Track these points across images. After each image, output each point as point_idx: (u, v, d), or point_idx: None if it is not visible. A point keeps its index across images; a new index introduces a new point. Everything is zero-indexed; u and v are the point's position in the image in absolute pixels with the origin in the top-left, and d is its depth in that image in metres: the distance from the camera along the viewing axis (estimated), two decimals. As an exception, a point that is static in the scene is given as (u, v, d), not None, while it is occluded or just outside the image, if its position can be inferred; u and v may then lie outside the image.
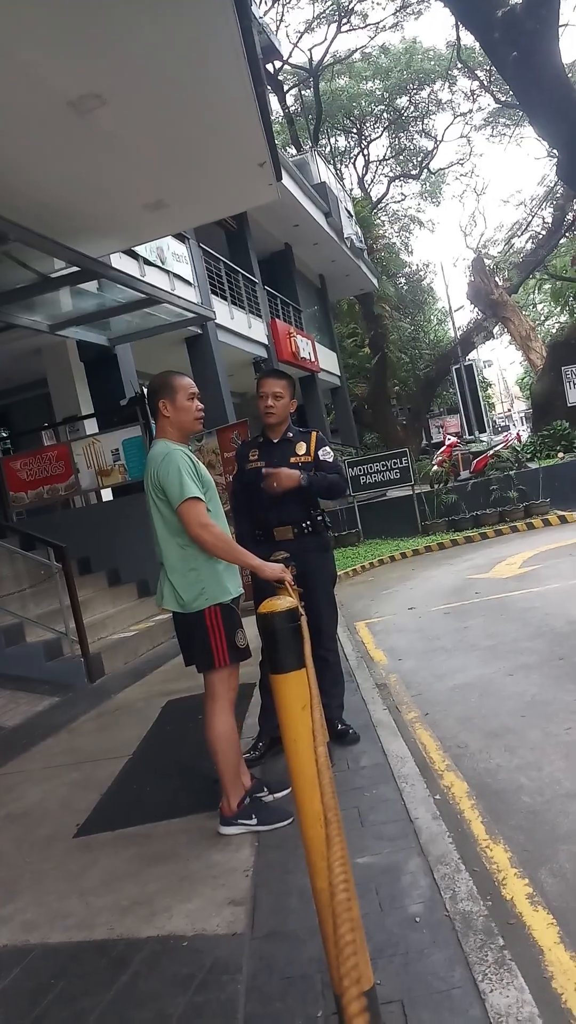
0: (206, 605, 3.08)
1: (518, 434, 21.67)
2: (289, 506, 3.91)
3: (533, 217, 32.76)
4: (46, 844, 3.46)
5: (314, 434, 4.07)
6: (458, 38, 26.21)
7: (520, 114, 27.25)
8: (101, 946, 2.52)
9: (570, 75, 17.91)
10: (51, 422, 11.12)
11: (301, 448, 3.98)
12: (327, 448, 4.05)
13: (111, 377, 10.94)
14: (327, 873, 1.14)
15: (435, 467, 15.85)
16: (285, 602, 2.08)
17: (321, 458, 4.00)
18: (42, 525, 8.93)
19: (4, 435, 13.89)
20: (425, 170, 37.54)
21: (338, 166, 34.71)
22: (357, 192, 34.70)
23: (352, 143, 36.35)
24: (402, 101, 33.70)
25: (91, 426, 10.29)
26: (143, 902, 2.73)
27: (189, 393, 3.25)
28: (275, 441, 4.00)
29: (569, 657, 5.02)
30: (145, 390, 3.42)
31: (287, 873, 2.74)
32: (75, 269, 7.45)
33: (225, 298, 15.25)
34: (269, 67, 24.08)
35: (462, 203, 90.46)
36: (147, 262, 11.41)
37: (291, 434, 4.02)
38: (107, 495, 10.26)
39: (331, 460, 4.05)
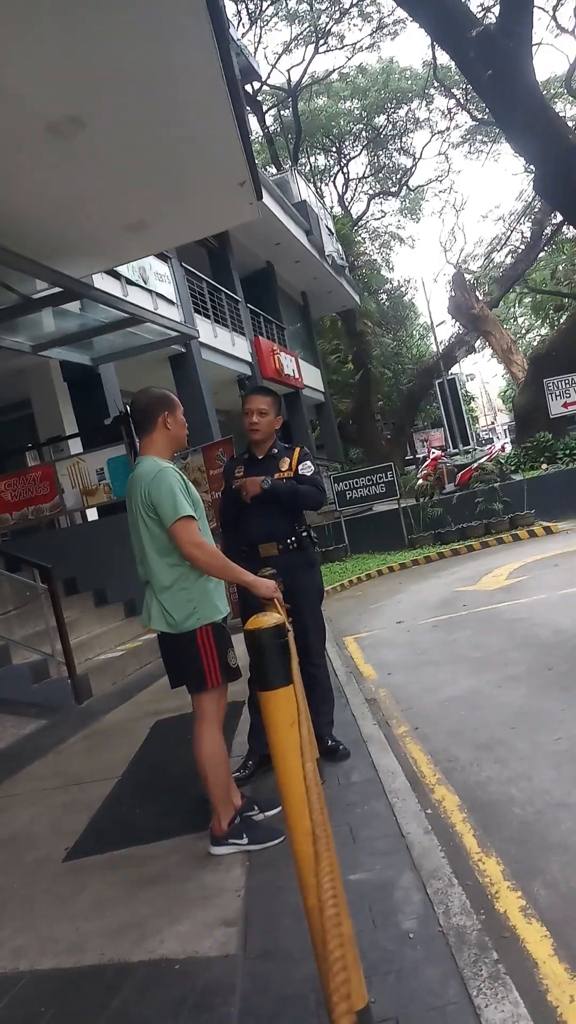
0: (198, 625, 3.05)
1: (502, 446, 21.82)
2: (274, 521, 3.92)
3: (512, 232, 33.21)
4: (35, 868, 3.42)
5: (297, 449, 4.08)
6: (434, 57, 26.61)
7: (496, 131, 27.64)
8: (92, 971, 2.48)
9: (544, 92, 18.20)
10: (35, 442, 11.09)
11: (285, 464, 4.00)
12: (308, 463, 4.06)
13: (95, 397, 10.94)
14: (317, 889, 1.13)
15: (420, 481, 15.91)
16: (272, 618, 2.07)
17: (300, 472, 4.01)
18: (27, 546, 8.88)
19: (-12, 456, 13.83)
20: (404, 187, 37.98)
21: (318, 184, 35.03)
22: (337, 210, 35.03)
23: (332, 161, 36.74)
24: (380, 120, 34.13)
25: (75, 446, 10.27)
26: (134, 925, 2.70)
27: (182, 409, 3.28)
28: (260, 458, 4.01)
29: (557, 667, 5.03)
30: (129, 407, 3.37)
31: (279, 892, 2.71)
32: (57, 290, 7.46)
33: (208, 316, 15.31)
34: (248, 88, 24.33)
35: (442, 219, 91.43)
36: (129, 282, 11.45)
37: (276, 450, 4.03)
38: (92, 515, 10.23)
39: (309, 474, 4.06)
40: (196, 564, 3.00)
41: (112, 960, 2.52)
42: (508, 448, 17.75)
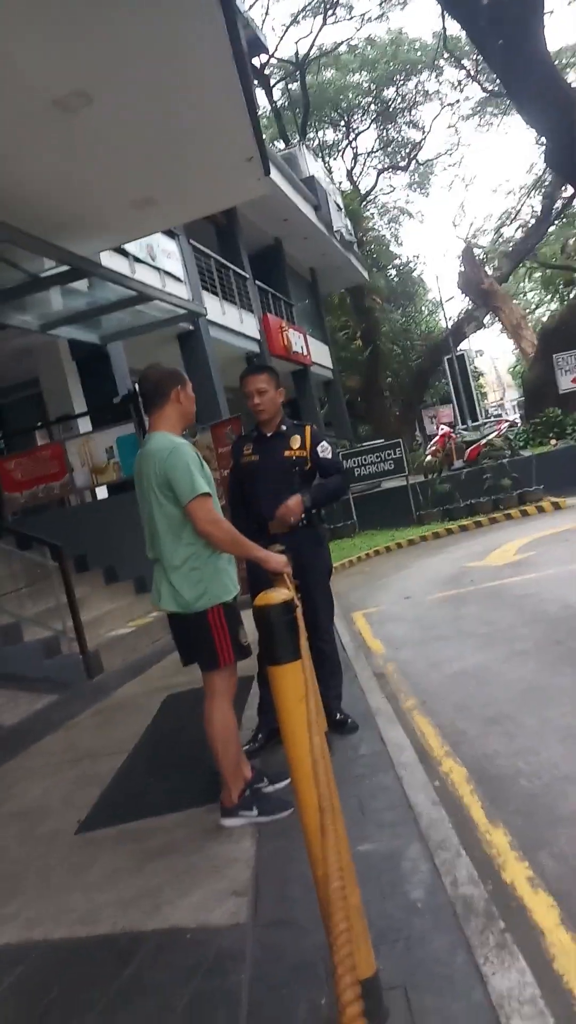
0: (209, 605, 3.05)
1: (507, 423, 21.72)
2: (284, 499, 3.92)
3: (522, 206, 32.80)
4: (48, 841, 3.48)
5: (308, 428, 4.04)
6: (444, 28, 26.20)
7: (507, 103, 27.24)
8: (105, 940, 2.53)
9: (556, 63, 17.92)
10: (44, 421, 11.11)
11: (296, 441, 3.97)
12: (325, 444, 4.01)
13: (104, 375, 10.93)
14: (323, 861, 1.15)
15: (429, 457, 15.87)
16: (280, 594, 2.09)
17: (320, 455, 3.98)
18: (37, 524, 8.92)
19: (-3, 435, 13.86)
20: (413, 161, 37.54)
21: (326, 159, 34.67)
22: (346, 185, 34.67)
23: (340, 136, 36.33)
24: (389, 92, 33.67)
25: (84, 424, 10.28)
26: (146, 896, 2.75)
27: (190, 384, 3.28)
28: (269, 435, 4.00)
29: (565, 642, 5.04)
30: (138, 382, 3.35)
31: (289, 862, 2.75)
32: (65, 268, 7.43)
33: (216, 294, 15.23)
34: (255, 61, 24.03)
35: (451, 193, 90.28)
36: (137, 259, 11.38)
37: (284, 427, 4.01)
38: (102, 493, 10.26)
39: (330, 456, 4.03)
40: (212, 541, 3.00)
41: (125, 929, 2.56)
42: (505, 428, 17.56)
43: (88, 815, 3.66)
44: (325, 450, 4.01)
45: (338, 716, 4.06)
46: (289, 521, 3.79)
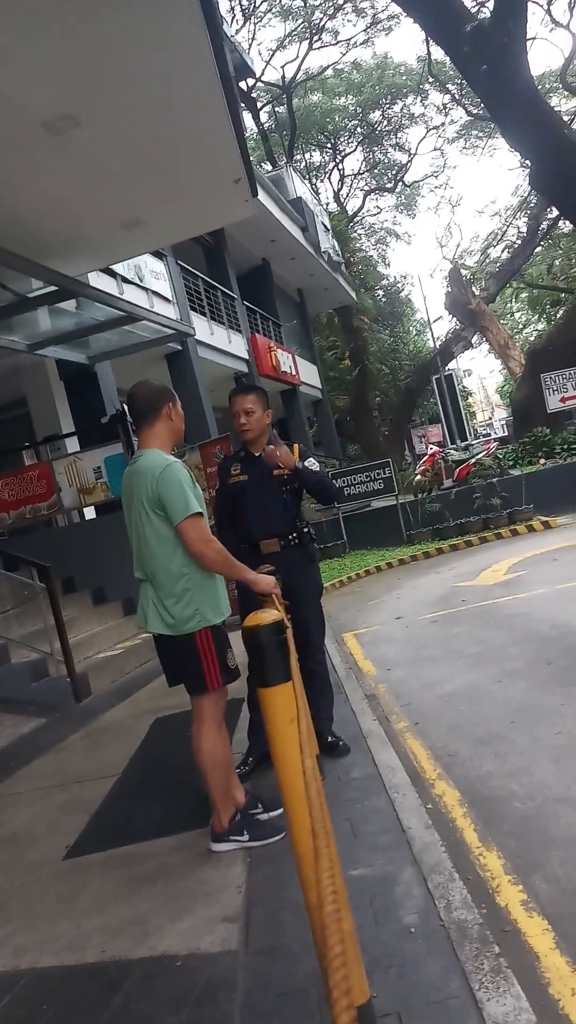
0: (198, 627, 3.00)
1: (489, 443, 21.85)
2: (275, 517, 3.92)
3: (508, 227, 33.17)
4: (35, 867, 3.42)
5: (296, 447, 4.07)
6: (428, 52, 26.59)
7: (492, 126, 27.60)
8: (93, 969, 2.48)
9: (539, 87, 18.18)
10: (32, 441, 11.08)
11: (294, 451, 4.00)
12: (312, 459, 4.06)
13: (91, 395, 10.93)
14: (317, 885, 1.13)
15: (418, 476, 15.91)
16: (270, 615, 2.07)
17: (308, 467, 4.00)
18: (25, 545, 8.87)
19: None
20: (400, 183, 37.93)
21: (313, 181, 35.00)
22: (333, 206, 35.00)
23: (327, 158, 36.70)
24: (375, 115, 34.09)
25: (72, 444, 10.26)
26: (135, 922, 2.70)
27: (179, 402, 3.26)
28: (257, 455, 3.99)
29: (556, 661, 5.03)
30: (127, 399, 3.34)
31: (280, 888, 2.71)
32: (53, 288, 7.44)
33: (204, 314, 15.29)
34: (242, 85, 24.30)
35: (437, 215, 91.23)
36: (125, 280, 11.43)
37: (272, 446, 4.01)
38: (90, 513, 10.23)
39: (317, 469, 4.06)
40: (204, 562, 2.97)
41: (113, 957, 2.52)
42: (494, 447, 17.66)
43: (77, 840, 3.60)
44: (312, 464, 4.03)
45: (329, 739, 4.02)
46: (276, 457, 3.80)
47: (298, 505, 4.06)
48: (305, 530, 4.03)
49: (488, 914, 2.42)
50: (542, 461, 15.85)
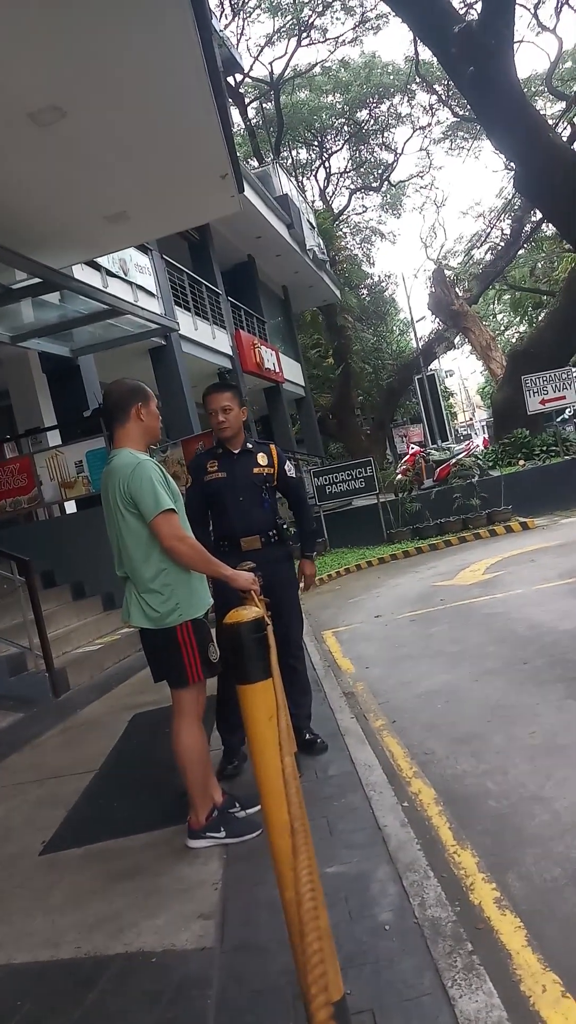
0: (180, 621, 3.01)
1: (485, 440, 22.00)
2: (255, 515, 3.93)
3: (492, 229, 33.35)
4: (10, 862, 3.41)
5: (273, 448, 4.09)
6: (416, 53, 26.64)
7: (478, 127, 27.72)
8: (68, 965, 2.48)
9: (525, 90, 18.28)
10: (13, 434, 11.00)
11: (263, 459, 4.00)
12: (289, 464, 4.11)
13: (74, 388, 10.87)
14: (295, 881, 1.14)
15: (399, 476, 15.96)
16: (251, 612, 2.08)
17: (288, 474, 4.06)
18: (4, 538, 8.81)
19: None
20: (386, 182, 37.97)
21: (300, 178, 34.94)
22: (319, 204, 34.96)
23: (313, 155, 36.66)
24: (362, 114, 34.09)
25: (54, 438, 10.19)
26: (110, 919, 2.70)
27: (156, 400, 3.26)
28: (236, 452, 4.00)
29: (532, 661, 5.08)
30: (101, 399, 3.34)
31: (256, 885, 2.72)
32: (36, 280, 7.40)
33: (189, 309, 15.25)
34: (230, 80, 24.22)
35: (422, 215, 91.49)
36: (109, 273, 11.37)
37: (250, 444, 4.03)
38: (71, 507, 10.17)
39: (296, 475, 4.14)
40: (179, 558, 2.97)
41: (88, 953, 2.52)
42: (476, 447, 17.86)
43: (53, 836, 3.59)
44: (291, 470, 4.10)
45: (307, 736, 4.03)
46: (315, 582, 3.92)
47: (275, 502, 4.08)
48: (284, 527, 4.05)
49: (462, 912, 2.45)
50: (521, 463, 15.95)
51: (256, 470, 3.94)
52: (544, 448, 16.25)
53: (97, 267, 10.86)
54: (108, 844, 3.39)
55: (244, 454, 3.98)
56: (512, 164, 20.11)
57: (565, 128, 25.26)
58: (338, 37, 32.08)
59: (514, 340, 33.00)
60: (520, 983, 2.10)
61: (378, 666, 5.94)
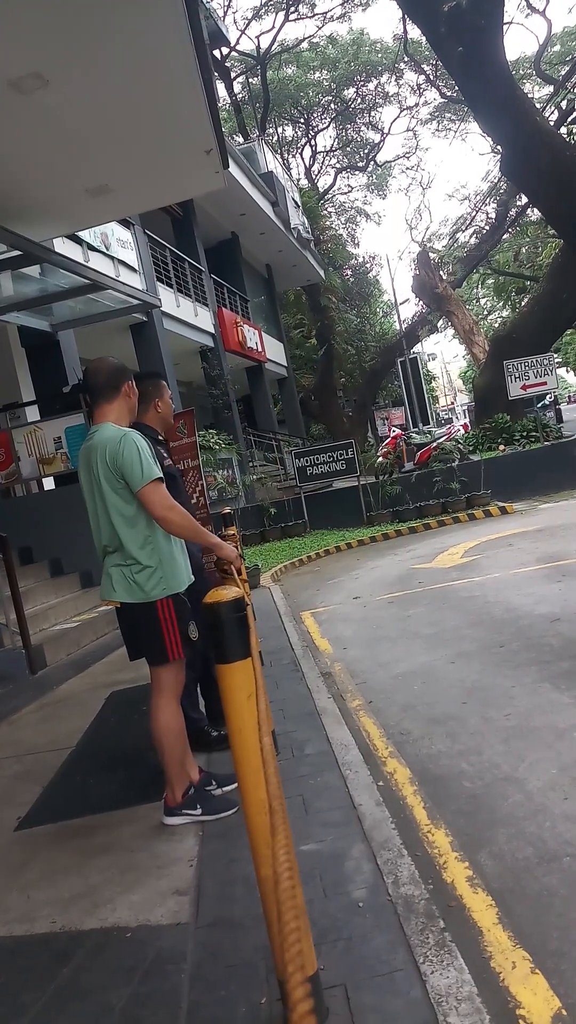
0: (164, 595, 3.01)
1: (464, 424, 22.06)
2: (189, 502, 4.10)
3: (477, 212, 33.28)
4: (-14, 838, 3.40)
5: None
6: (405, 31, 26.45)
7: (465, 109, 27.59)
8: (43, 940, 2.49)
9: (513, 73, 18.20)
10: (-9, 409, 10.88)
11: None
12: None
13: (54, 364, 10.76)
14: (272, 861, 1.15)
15: (380, 459, 15.99)
16: (231, 592, 2.07)
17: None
18: (-18, 514, 8.74)
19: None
20: (372, 162, 37.76)
21: (285, 156, 34.65)
22: (304, 182, 34.71)
23: (299, 133, 36.36)
24: (349, 92, 33.82)
25: (32, 413, 10.10)
26: (86, 894, 2.71)
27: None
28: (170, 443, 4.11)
29: (508, 644, 5.13)
30: (84, 374, 3.34)
31: (232, 862, 2.74)
32: (16, 253, 7.28)
33: (171, 286, 15.11)
34: (216, 53, 23.87)
35: (408, 196, 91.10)
36: (91, 247, 11.23)
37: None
38: (49, 484, 10.10)
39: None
40: (169, 527, 2.97)
41: (63, 928, 2.52)
42: (456, 431, 17.99)
43: (29, 812, 3.59)
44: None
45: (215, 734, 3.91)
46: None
47: None
48: None
49: (434, 890, 2.48)
50: (501, 447, 16.04)
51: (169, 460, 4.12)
52: (524, 433, 16.35)
53: (78, 241, 10.72)
54: (84, 820, 3.39)
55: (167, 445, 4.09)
56: (499, 147, 20.05)
57: (552, 112, 25.20)
58: (326, 13, 31.72)
59: (497, 325, 33.04)
60: (491, 960, 2.14)
61: (356, 647, 5.98)
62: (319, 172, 38.20)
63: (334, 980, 2.03)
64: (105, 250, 11.84)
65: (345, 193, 40.61)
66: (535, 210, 24.37)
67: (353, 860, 2.64)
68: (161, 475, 2.96)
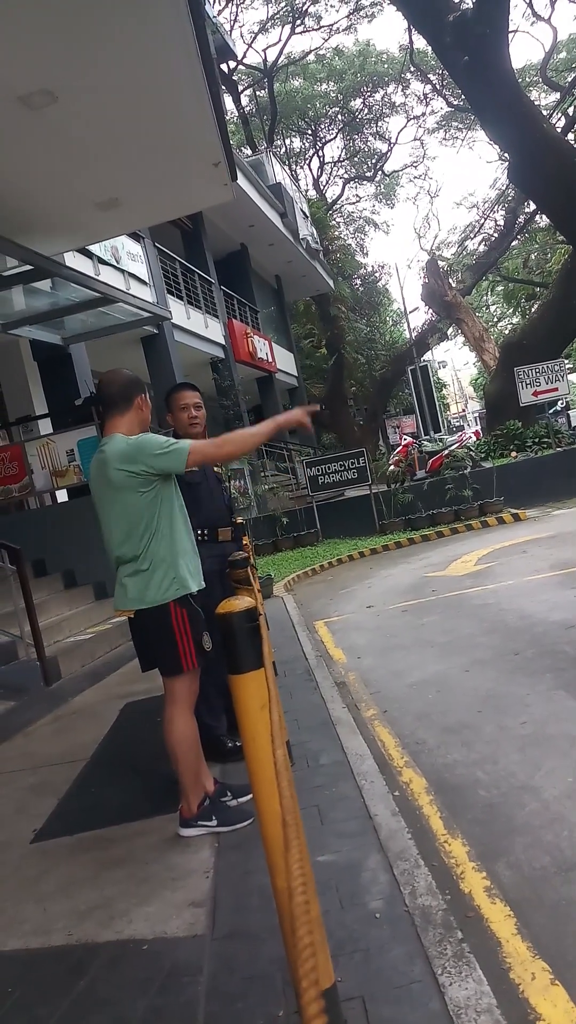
0: (178, 595, 3.00)
1: (476, 431, 22.03)
2: (224, 509, 4.14)
3: (485, 220, 33.29)
4: (2, 850, 3.40)
5: None
6: (411, 42, 26.54)
7: (472, 118, 27.65)
8: (59, 952, 2.48)
9: (519, 80, 18.23)
10: (4, 422, 10.95)
11: None
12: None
13: (65, 377, 10.82)
14: (286, 873, 1.14)
15: (391, 467, 15.97)
16: (243, 602, 2.07)
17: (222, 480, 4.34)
18: (-5, 527, 8.77)
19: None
20: (379, 172, 37.84)
21: (293, 167, 34.79)
22: (312, 193, 34.83)
23: (307, 144, 36.51)
24: (356, 103, 33.92)
25: (45, 426, 10.15)
26: (101, 906, 2.70)
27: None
28: None
29: (523, 652, 5.09)
30: (98, 385, 3.37)
31: (247, 873, 2.73)
32: (27, 267, 7.34)
33: (181, 298, 15.18)
34: (223, 67, 24.04)
35: (416, 205, 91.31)
36: (101, 261, 11.30)
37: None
38: (62, 496, 10.14)
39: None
40: (232, 454, 3.11)
41: (80, 941, 2.52)
42: (468, 439, 18.02)
43: (44, 824, 3.59)
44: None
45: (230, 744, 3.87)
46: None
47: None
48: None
49: (452, 900, 2.46)
50: (513, 454, 15.99)
51: (216, 469, 4.18)
52: (536, 440, 16.30)
53: (89, 255, 10.79)
54: (99, 832, 3.39)
55: None
56: (506, 155, 20.06)
57: (559, 119, 25.21)
58: (332, 25, 31.79)
59: (507, 332, 33.02)
60: (510, 971, 2.12)
61: (370, 656, 5.96)
62: (327, 183, 38.36)
63: (352, 992, 2.01)
64: (115, 263, 11.92)
65: (353, 203, 40.75)
66: (544, 216, 24.35)
67: (369, 871, 2.62)
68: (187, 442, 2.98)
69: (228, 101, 28.55)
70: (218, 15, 25.64)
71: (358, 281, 35.33)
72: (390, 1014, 1.93)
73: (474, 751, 3.67)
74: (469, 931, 2.27)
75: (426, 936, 2.20)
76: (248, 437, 3.09)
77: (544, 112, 22.18)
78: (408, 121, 36.11)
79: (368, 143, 36.56)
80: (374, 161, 37.26)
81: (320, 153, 37.00)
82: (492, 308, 42.52)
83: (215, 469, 4.16)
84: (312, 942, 0.96)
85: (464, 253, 34.18)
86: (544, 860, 2.62)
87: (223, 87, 21.56)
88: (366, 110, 34.32)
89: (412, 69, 29.75)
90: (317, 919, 1.88)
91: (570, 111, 24.50)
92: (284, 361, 23.42)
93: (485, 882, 2.57)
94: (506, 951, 2.21)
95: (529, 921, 2.32)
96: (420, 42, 24.21)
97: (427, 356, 33.24)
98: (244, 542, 4.31)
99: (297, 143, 36.59)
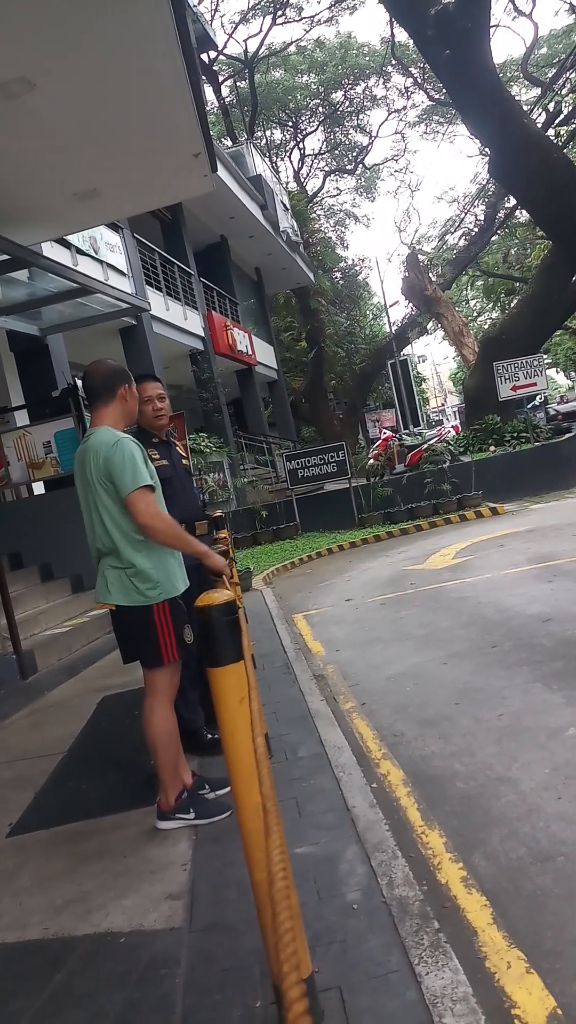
0: (159, 599, 3.00)
1: (455, 426, 22.15)
2: (195, 502, 4.18)
3: (466, 214, 33.36)
4: (-22, 845, 3.38)
5: (180, 442, 4.30)
6: (392, 35, 26.51)
7: (453, 112, 27.69)
8: (35, 946, 2.47)
9: (500, 75, 18.28)
10: (-20, 414, 10.84)
11: (182, 450, 4.22)
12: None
13: (43, 368, 10.72)
14: (266, 863, 1.14)
15: (371, 461, 16.00)
16: (223, 595, 2.06)
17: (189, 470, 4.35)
18: (-28, 519, 8.70)
19: None
20: (360, 165, 37.80)
21: (274, 159, 34.66)
22: (293, 186, 34.73)
23: (288, 136, 36.35)
24: (337, 96, 33.84)
25: (22, 418, 10.06)
26: (78, 900, 2.69)
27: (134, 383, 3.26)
28: (166, 441, 4.09)
29: (500, 645, 5.13)
30: (83, 376, 3.35)
31: (225, 866, 2.73)
32: (4, 257, 7.26)
33: (160, 289, 15.10)
34: (204, 57, 23.87)
35: (397, 199, 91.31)
36: (80, 251, 11.21)
37: (168, 437, 4.15)
38: (39, 488, 10.06)
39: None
40: (154, 535, 2.95)
41: (56, 935, 2.51)
42: (447, 433, 18.14)
43: (20, 818, 3.57)
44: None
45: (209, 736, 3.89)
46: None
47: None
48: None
49: (429, 891, 2.48)
50: (492, 449, 16.07)
51: (184, 461, 4.18)
52: (515, 434, 16.40)
53: (67, 245, 10.70)
54: (76, 826, 3.37)
55: (171, 444, 4.09)
56: (487, 149, 20.11)
57: (540, 114, 25.32)
58: (313, 16, 31.72)
59: (486, 326, 33.16)
60: (485, 960, 2.14)
61: (348, 649, 5.97)
62: (308, 175, 38.25)
63: (329, 983, 2.02)
64: (94, 254, 11.83)
65: (334, 196, 40.66)
66: (523, 211, 24.46)
67: (347, 862, 2.63)
68: (150, 483, 2.95)
69: (208, 92, 28.37)
70: (199, 4, 25.46)
71: (338, 274, 35.28)
72: (367, 1004, 1.94)
73: (451, 743, 3.69)
74: (446, 921, 2.29)
75: (403, 926, 2.22)
76: (177, 537, 3.00)
77: (525, 108, 22.25)
78: (389, 114, 36.09)
79: (349, 136, 36.52)
80: (355, 154, 37.22)
81: (301, 145, 36.91)
82: (472, 303, 42.66)
83: (183, 461, 4.15)
84: (293, 927, 0.96)
85: (444, 247, 34.23)
86: (520, 851, 2.64)
87: (203, 77, 21.42)
88: (347, 103, 34.25)
89: (393, 62, 29.74)
90: (296, 908, 1.88)
91: (551, 107, 24.61)
92: (264, 354, 23.38)
93: (462, 873, 2.59)
94: (482, 940, 2.22)
95: (505, 911, 2.34)
96: (402, 35, 24.23)
97: (407, 350, 33.31)
98: (223, 535, 4.30)
99: (278, 135, 36.46)
